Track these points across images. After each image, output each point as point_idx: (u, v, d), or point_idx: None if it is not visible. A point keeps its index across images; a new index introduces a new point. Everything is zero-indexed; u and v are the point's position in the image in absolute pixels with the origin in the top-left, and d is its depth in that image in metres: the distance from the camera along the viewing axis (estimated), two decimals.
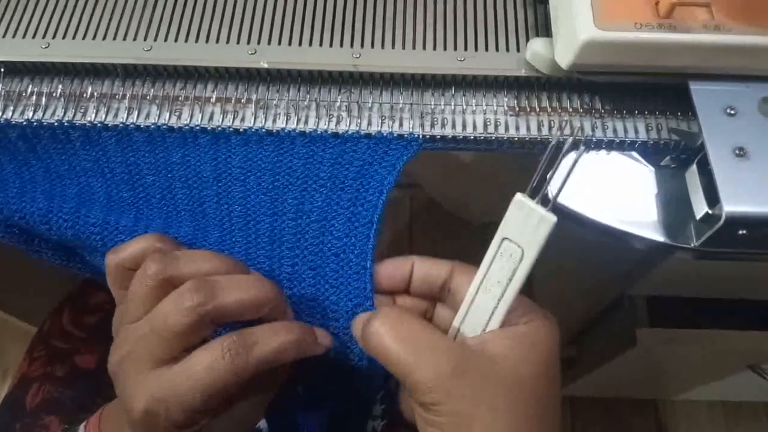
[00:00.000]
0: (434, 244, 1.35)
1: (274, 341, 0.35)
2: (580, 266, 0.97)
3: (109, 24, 0.45)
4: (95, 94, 0.44)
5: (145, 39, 0.44)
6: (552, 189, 0.29)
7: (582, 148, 0.28)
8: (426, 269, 0.38)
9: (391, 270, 0.39)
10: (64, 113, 0.43)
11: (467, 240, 1.33)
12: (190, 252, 0.38)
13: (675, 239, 0.40)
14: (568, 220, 0.42)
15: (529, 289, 1.25)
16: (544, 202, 0.29)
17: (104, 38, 0.44)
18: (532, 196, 0.29)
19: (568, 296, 1.07)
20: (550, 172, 0.28)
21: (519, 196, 0.29)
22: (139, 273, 0.35)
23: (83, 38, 0.44)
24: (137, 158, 0.43)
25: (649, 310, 0.83)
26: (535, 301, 0.35)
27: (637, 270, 0.77)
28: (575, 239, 0.65)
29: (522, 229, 0.29)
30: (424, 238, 1.36)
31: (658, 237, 0.40)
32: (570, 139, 0.27)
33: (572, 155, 0.27)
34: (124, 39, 0.44)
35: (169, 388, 0.33)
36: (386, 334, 0.33)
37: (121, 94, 0.44)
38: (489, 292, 0.32)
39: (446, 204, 1.24)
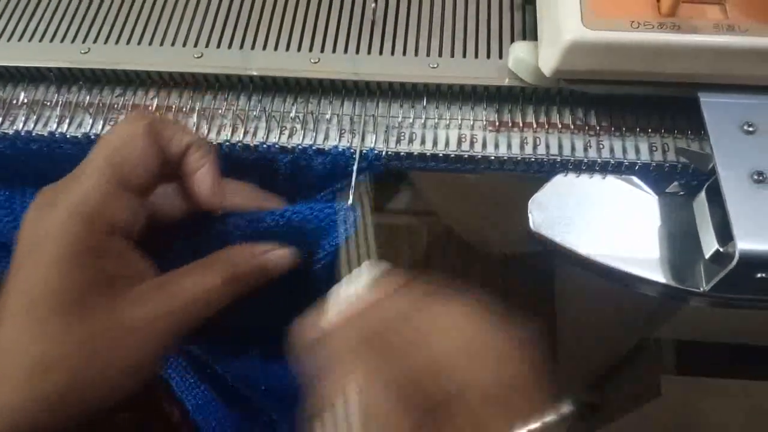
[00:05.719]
0: (452, 275, 1.28)
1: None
2: (603, 301, 0.89)
3: (39, 23, 0.41)
4: (26, 101, 0.39)
5: (83, 41, 0.40)
6: None
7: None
8: None
9: None
10: None
11: (486, 271, 1.26)
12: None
13: (682, 282, 0.34)
14: (556, 257, 0.36)
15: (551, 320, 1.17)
16: None
17: (40, 40, 0.40)
18: None
19: (590, 334, 0.99)
20: None
21: None
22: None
23: (13, 39, 0.40)
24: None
25: (676, 356, 0.75)
26: (557, 339, 0.28)
27: (660, 310, 0.69)
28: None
29: None
30: (441, 269, 1.30)
31: (661, 279, 0.34)
32: None
33: None
34: (62, 41, 0.40)
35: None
36: None
37: (53, 101, 0.39)
38: None
39: (464, 234, 1.17)
